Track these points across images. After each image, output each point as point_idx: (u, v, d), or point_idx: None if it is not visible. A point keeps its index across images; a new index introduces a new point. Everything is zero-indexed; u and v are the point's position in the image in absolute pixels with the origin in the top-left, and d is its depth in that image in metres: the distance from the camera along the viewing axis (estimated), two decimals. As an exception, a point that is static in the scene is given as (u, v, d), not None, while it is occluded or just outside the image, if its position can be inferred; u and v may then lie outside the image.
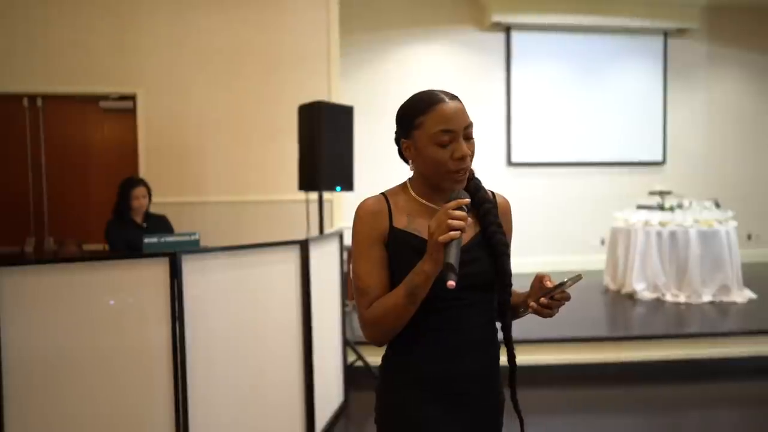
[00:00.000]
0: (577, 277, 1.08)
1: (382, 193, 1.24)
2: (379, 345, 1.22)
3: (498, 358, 1.26)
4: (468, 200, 1.09)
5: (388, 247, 1.19)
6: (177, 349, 2.20)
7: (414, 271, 1.10)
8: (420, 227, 1.18)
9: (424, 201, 1.22)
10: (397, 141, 1.25)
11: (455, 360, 1.19)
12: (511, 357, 1.22)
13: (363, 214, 1.20)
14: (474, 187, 1.23)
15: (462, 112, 1.15)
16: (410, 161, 1.22)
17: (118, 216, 3.55)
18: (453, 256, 1.03)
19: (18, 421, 1.97)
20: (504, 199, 1.31)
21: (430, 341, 1.18)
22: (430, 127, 1.14)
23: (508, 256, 1.21)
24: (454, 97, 1.17)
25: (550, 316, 1.14)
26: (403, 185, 1.26)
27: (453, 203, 1.06)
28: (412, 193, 1.23)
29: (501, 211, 1.26)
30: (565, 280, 1.09)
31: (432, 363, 1.18)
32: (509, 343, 1.22)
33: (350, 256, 1.25)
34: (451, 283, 1.00)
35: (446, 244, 1.03)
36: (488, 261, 1.19)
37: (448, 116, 1.14)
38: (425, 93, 1.19)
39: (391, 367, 1.24)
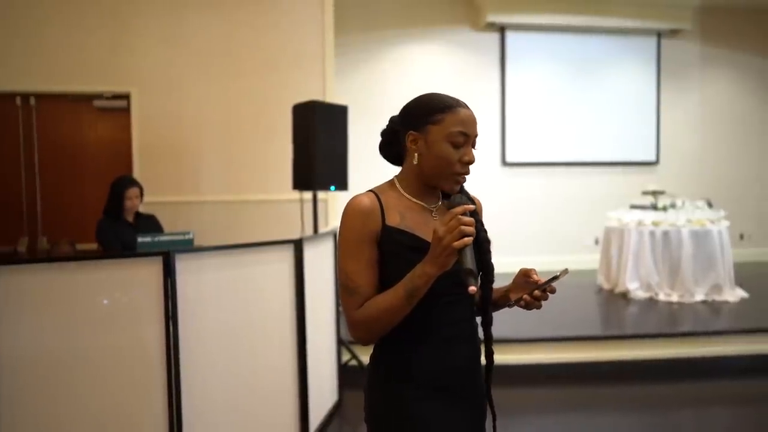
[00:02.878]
0: (565, 271, 1.13)
1: (372, 191, 1.23)
2: (367, 344, 1.23)
3: (480, 353, 1.28)
4: (473, 206, 1.09)
5: (381, 245, 1.18)
6: (171, 348, 2.19)
7: (414, 273, 1.10)
8: (413, 225, 1.19)
9: (415, 200, 1.23)
10: (386, 134, 1.28)
11: (447, 355, 1.21)
12: (490, 353, 1.24)
13: (354, 212, 1.18)
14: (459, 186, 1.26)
15: (476, 122, 1.20)
16: (414, 154, 1.21)
17: (109, 215, 3.51)
18: (470, 262, 1.05)
19: (11, 421, 1.97)
20: (477, 198, 1.35)
21: (422, 338, 1.20)
22: (449, 125, 1.17)
23: (491, 253, 1.25)
24: (468, 107, 1.22)
25: (539, 308, 1.18)
26: (391, 183, 1.26)
27: (460, 209, 1.07)
28: (402, 191, 1.23)
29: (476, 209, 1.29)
30: (558, 273, 1.13)
31: (425, 359, 1.20)
32: (489, 340, 1.24)
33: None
34: (473, 288, 1.03)
35: (460, 250, 1.05)
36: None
37: (467, 120, 1.18)
38: (444, 94, 1.22)
39: (382, 365, 1.24)
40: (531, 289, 1.16)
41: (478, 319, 1.27)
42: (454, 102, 1.19)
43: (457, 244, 1.04)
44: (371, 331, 1.16)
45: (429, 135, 1.18)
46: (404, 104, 1.26)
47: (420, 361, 1.20)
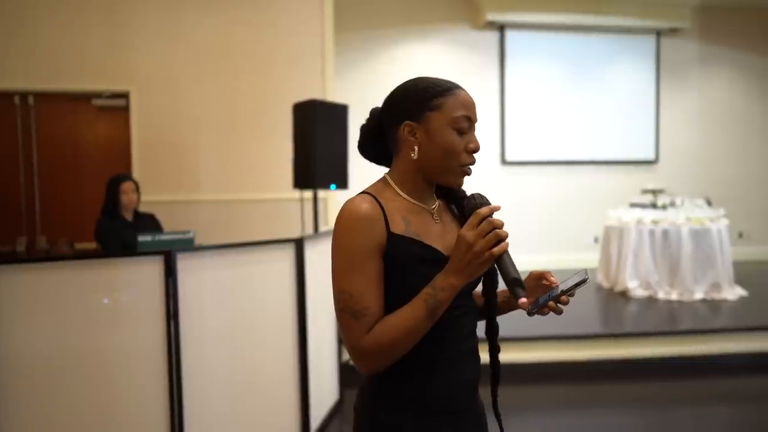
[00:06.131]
0: (585, 272, 1.02)
1: (368, 193, 1.06)
2: (375, 373, 1.04)
3: (479, 366, 1.15)
4: (499, 206, 0.97)
5: (386, 257, 1.01)
6: (172, 347, 2.19)
7: (435, 286, 0.97)
8: (418, 230, 1.04)
9: (415, 201, 1.08)
10: (370, 130, 1.14)
11: (459, 374, 1.08)
12: (497, 362, 1.13)
13: (356, 221, 1.00)
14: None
15: (475, 104, 1.09)
16: (413, 147, 1.05)
17: (107, 215, 3.47)
18: (514, 269, 0.94)
19: (12, 420, 1.96)
20: None
21: (434, 358, 1.05)
22: (452, 109, 1.04)
23: None
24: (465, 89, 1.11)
25: (560, 313, 1.04)
26: (384, 182, 1.10)
27: (486, 209, 0.95)
28: (399, 192, 1.08)
29: None
30: (585, 277, 0.99)
31: (438, 382, 1.06)
32: (496, 348, 1.12)
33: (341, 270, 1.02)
34: (524, 300, 0.92)
35: (498, 258, 0.94)
36: None
37: (468, 103, 1.07)
38: (435, 77, 1.09)
39: (386, 394, 1.07)
40: (554, 296, 1.01)
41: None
42: (452, 84, 1.07)
43: (496, 251, 0.93)
44: (387, 358, 0.99)
45: (429, 123, 1.04)
46: (389, 94, 1.10)
47: (433, 385, 1.05)
